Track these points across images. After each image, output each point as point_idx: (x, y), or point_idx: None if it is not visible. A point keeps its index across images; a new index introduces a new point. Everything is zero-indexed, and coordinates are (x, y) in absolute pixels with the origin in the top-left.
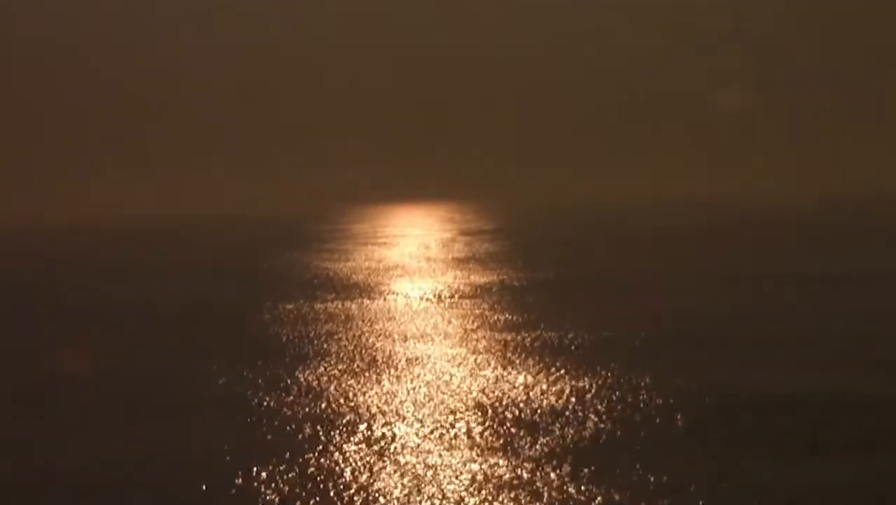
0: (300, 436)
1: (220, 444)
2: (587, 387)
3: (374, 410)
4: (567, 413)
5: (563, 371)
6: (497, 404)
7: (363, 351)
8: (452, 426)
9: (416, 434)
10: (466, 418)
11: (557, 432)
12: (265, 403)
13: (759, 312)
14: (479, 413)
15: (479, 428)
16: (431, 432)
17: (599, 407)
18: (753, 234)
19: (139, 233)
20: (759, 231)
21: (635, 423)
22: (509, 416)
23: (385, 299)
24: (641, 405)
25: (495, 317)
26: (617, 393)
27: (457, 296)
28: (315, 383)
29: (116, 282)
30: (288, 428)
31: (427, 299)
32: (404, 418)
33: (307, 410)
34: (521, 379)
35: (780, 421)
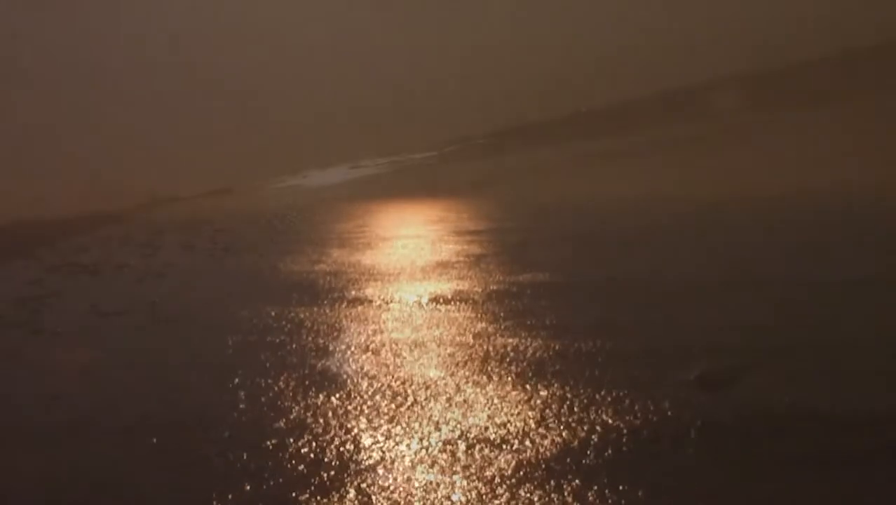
0: (263, 456)
1: (183, 466)
2: (575, 399)
3: (337, 425)
4: (551, 427)
5: (551, 383)
6: (472, 418)
7: (331, 363)
8: (417, 444)
9: (379, 453)
10: (435, 435)
11: (538, 448)
12: (237, 419)
13: (786, 320)
14: (450, 429)
15: (449, 445)
16: (395, 450)
17: (591, 420)
18: (797, 233)
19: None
20: (803, 229)
21: (632, 438)
22: (486, 431)
23: (358, 306)
24: (638, 420)
25: (478, 325)
26: (613, 407)
27: (438, 302)
28: (279, 396)
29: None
30: (254, 443)
31: (404, 305)
32: (367, 435)
33: (273, 425)
34: (501, 391)
35: (795, 436)
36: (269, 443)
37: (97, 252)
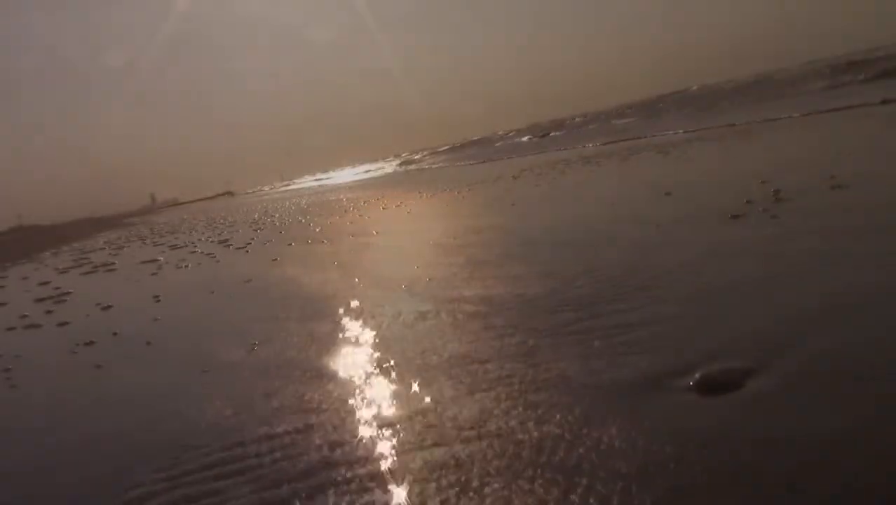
0: (215, 467)
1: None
2: (573, 430)
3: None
4: (549, 463)
5: (544, 411)
6: (451, 440)
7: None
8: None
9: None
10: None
11: (540, 485)
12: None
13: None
14: (418, 452)
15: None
16: (351, 487)
17: (598, 456)
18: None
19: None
20: None
21: (626, 447)
22: (467, 451)
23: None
24: (633, 427)
25: (441, 346)
26: (621, 440)
27: (410, 311)
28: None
29: None
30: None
31: (370, 316)
32: (334, 467)
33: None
34: (489, 419)
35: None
36: (225, 451)
37: (103, 253)
